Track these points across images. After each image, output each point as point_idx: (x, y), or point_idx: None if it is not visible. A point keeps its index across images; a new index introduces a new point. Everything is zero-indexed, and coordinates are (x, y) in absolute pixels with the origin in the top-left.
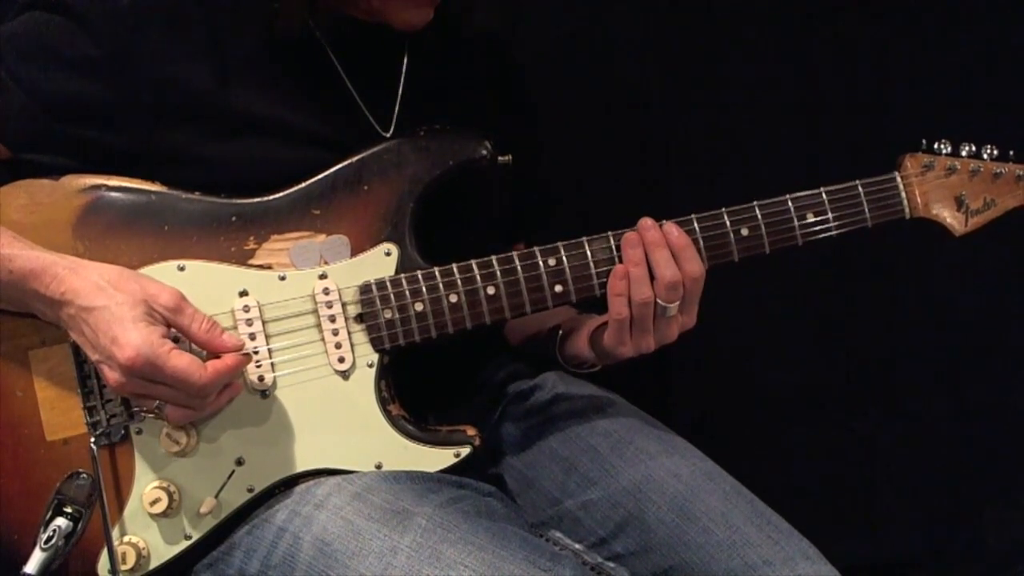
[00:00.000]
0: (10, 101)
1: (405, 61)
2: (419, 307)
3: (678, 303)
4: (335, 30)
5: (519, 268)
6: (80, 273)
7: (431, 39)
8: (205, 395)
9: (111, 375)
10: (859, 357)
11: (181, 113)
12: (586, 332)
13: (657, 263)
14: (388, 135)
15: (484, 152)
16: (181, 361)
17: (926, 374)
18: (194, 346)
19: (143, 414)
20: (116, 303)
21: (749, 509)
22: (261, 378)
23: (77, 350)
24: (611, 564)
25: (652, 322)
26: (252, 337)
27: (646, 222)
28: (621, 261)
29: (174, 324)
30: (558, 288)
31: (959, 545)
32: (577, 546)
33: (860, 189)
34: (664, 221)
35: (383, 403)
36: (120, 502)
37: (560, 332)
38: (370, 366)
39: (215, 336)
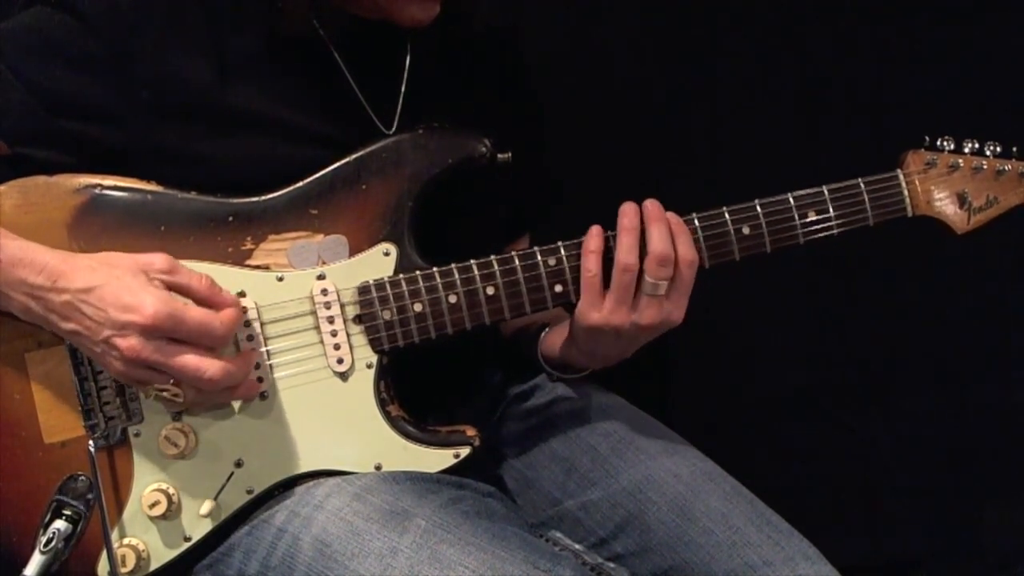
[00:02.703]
0: (10, 96)
1: (408, 59)
2: (418, 308)
3: (666, 283)
4: (338, 28)
5: (519, 268)
6: (69, 261)
7: (434, 36)
8: (225, 343)
9: (126, 344)
10: (859, 357)
11: (180, 111)
12: (568, 320)
13: (651, 236)
14: (390, 133)
15: (483, 150)
16: (199, 311)
17: (926, 374)
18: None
19: (158, 396)
20: (116, 276)
21: (749, 509)
22: (260, 379)
23: (74, 352)
24: (611, 564)
25: (633, 295)
26: (250, 339)
27: (648, 201)
28: None
29: (174, 284)
30: (558, 288)
31: (959, 545)
32: (577, 546)
33: (862, 187)
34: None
35: (382, 404)
36: (119, 504)
37: (546, 329)
38: (369, 367)
39: (216, 291)
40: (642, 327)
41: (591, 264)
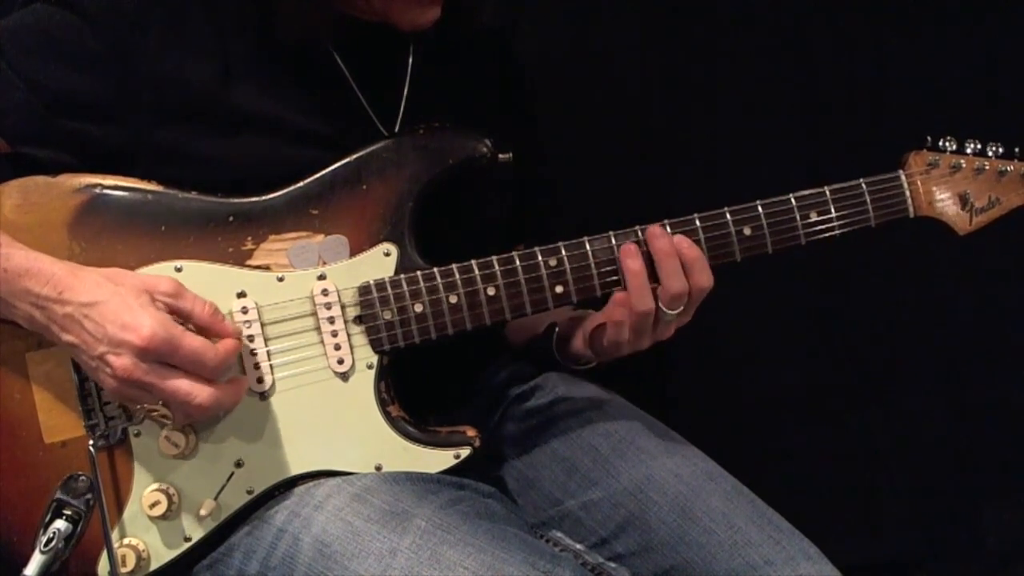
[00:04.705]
0: (11, 95)
1: (410, 62)
2: (418, 308)
3: (680, 310)
4: (339, 31)
5: (520, 268)
6: (77, 274)
7: (436, 39)
8: (217, 376)
9: (119, 363)
10: (859, 357)
11: (181, 111)
12: (583, 333)
13: (667, 274)
14: (392, 135)
15: (484, 150)
16: (196, 340)
17: (926, 374)
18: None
19: (148, 415)
20: (119, 294)
21: (750, 509)
22: (260, 380)
23: None
24: (612, 564)
25: (651, 327)
26: (251, 339)
27: (654, 231)
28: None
29: (176, 309)
30: (559, 289)
31: (959, 545)
32: (578, 546)
33: (864, 187)
34: (667, 222)
35: (383, 404)
36: (119, 504)
37: (557, 331)
38: (369, 367)
39: (218, 320)
40: (658, 339)
41: (621, 324)
